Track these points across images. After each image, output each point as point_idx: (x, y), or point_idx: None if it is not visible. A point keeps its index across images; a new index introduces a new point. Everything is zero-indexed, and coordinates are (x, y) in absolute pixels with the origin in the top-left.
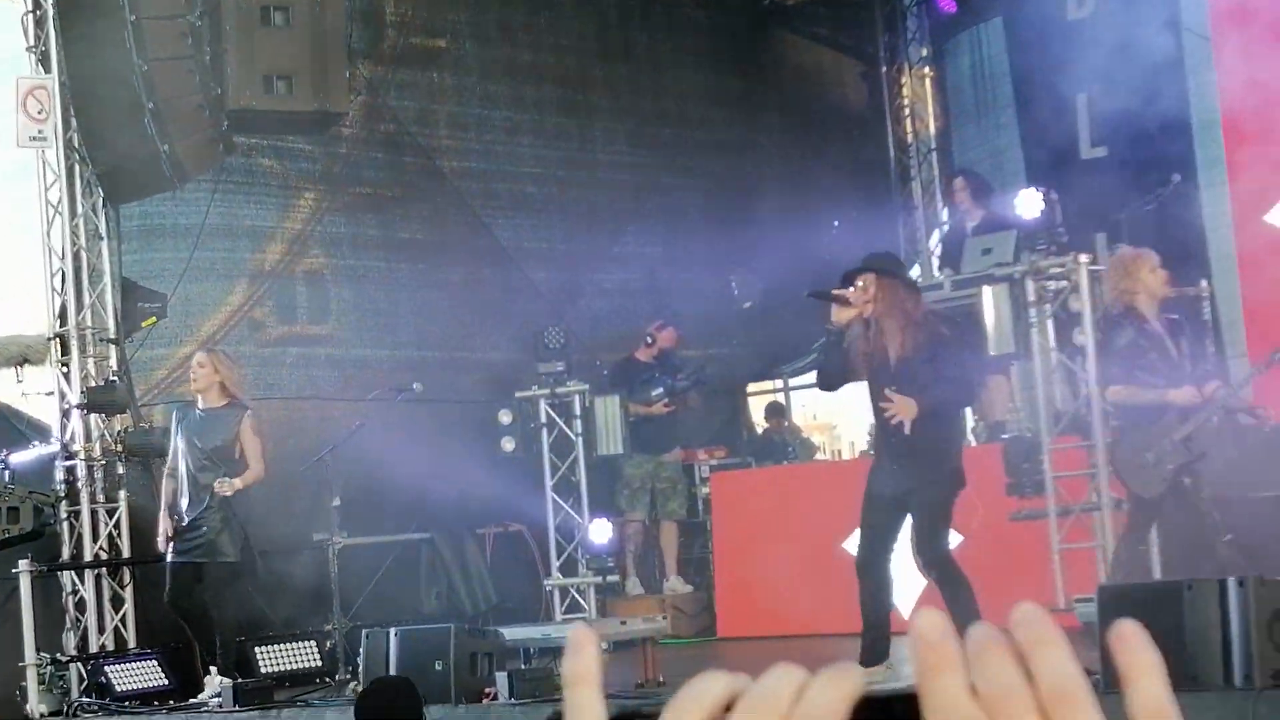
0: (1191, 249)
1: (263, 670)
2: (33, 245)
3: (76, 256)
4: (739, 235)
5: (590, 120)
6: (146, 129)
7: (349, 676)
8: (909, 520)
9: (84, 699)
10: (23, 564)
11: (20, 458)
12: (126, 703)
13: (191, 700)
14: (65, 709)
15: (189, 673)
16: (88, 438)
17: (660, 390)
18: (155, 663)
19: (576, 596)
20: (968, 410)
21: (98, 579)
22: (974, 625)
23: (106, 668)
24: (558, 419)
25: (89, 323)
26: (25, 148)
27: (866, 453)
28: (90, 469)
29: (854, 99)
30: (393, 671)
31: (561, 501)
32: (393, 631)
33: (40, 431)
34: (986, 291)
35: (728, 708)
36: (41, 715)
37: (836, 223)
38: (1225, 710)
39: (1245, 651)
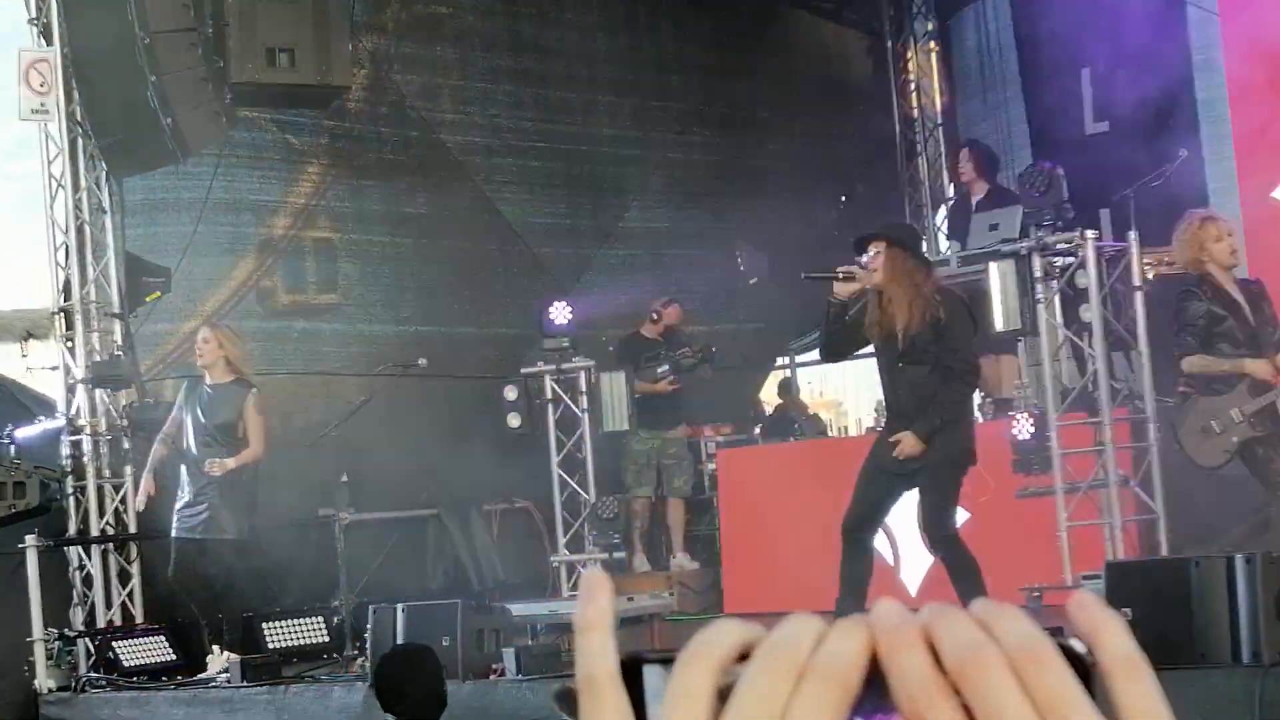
0: None
1: (270, 646)
2: (36, 219)
3: (80, 231)
4: (744, 211)
5: (594, 95)
6: (149, 102)
7: (356, 652)
8: (916, 498)
9: (92, 674)
10: (29, 539)
11: (25, 433)
12: (134, 678)
13: (199, 676)
14: (73, 684)
15: (197, 648)
16: (93, 412)
17: (665, 368)
18: (163, 638)
19: (583, 573)
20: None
21: (104, 554)
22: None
23: (114, 643)
24: (563, 395)
25: (93, 297)
26: (27, 121)
27: (874, 429)
28: (96, 444)
29: (859, 73)
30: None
31: (568, 477)
32: (400, 607)
33: (45, 406)
34: (993, 267)
35: (743, 656)
36: (50, 690)
37: (844, 198)
38: (1232, 687)
39: (1253, 628)
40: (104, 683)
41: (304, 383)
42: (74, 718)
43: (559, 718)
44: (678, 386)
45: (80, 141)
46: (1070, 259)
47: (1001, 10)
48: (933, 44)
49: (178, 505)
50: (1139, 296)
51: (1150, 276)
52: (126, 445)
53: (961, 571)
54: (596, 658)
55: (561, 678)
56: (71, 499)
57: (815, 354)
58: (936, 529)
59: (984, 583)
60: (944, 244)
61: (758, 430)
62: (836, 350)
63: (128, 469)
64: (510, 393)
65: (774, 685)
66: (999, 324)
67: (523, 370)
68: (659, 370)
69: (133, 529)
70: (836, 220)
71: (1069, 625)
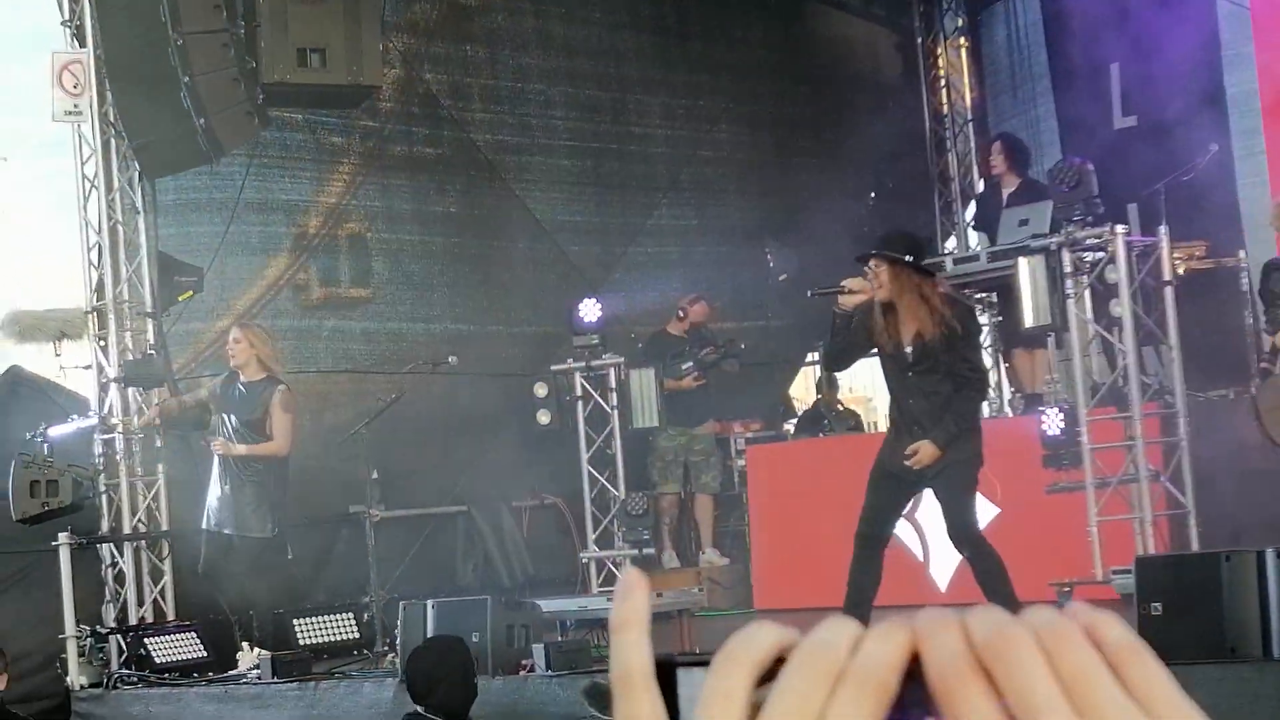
0: (1228, 219)
1: (301, 642)
2: (69, 219)
3: (113, 231)
4: (774, 208)
5: (623, 93)
6: (182, 103)
7: (386, 649)
8: (937, 501)
9: (123, 670)
10: (62, 536)
11: (59, 431)
12: (166, 674)
13: (230, 672)
14: (105, 680)
15: (228, 645)
16: (125, 411)
17: (689, 364)
18: (194, 635)
19: (613, 569)
20: (1005, 381)
21: (136, 551)
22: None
23: (146, 640)
24: (593, 392)
25: (126, 296)
26: (61, 122)
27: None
28: (128, 442)
29: (889, 70)
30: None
31: (597, 474)
32: (430, 603)
33: (78, 405)
34: (1023, 263)
35: (779, 660)
36: (81, 686)
37: (873, 194)
38: (1263, 682)
39: None
40: (135, 679)
41: (334, 381)
42: (106, 714)
43: (588, 713)
44: (703, 382)
45: (113, 142)
46: (1100, 254)
47: (1031, 5)
48: (963, 40)
49: (208, 500)
50: (1169, 291)
51: (1180, 271)
52: (159, 444)
53: (987, 570)
54: (632, 656)
55: (591, 674)
56: (104, 497)
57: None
58: (960, 530)
59: (1009, 580)
60: (974, 239)
61: (788, 426)
62: (841, 360)
63: (160, 467)
64: (540, 390)
65: (811, 688)
66: (1029, 319)
67: (552, 367)
68: (683, 367)
69: (165, 527)
70: (866, 216)
71: None
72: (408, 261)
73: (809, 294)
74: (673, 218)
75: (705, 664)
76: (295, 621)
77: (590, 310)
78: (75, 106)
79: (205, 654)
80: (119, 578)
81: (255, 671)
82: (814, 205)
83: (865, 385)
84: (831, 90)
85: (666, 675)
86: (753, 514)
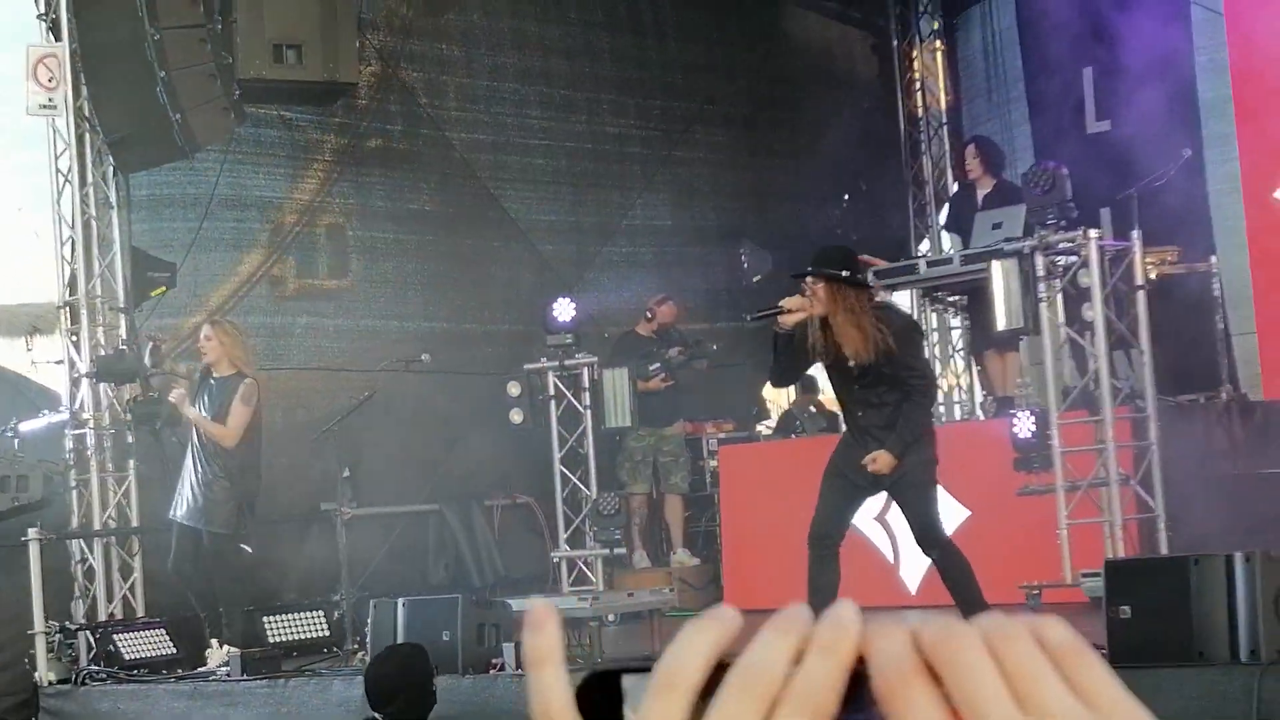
0: (1199, 224)
1: (271, 640)
2: (43, 214)
3: (87, 225)
4: (748, 209)
5: (598, 93)
6: (159, 98)
7: (356, 647)
8: (898, 505)
9: (93, 667)
10: (32, 532)
11: (30, 426)
12: (135, 671)
13: (199, 669)
14: (74, 677)
15: (197, 642)
16: (97, 406)
17: (657, 366)
18: (163, 632)
19: (584, 569)
20: (976, 384)
21: (106, 547)
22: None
23: (115, 636)
24: (566, 391)
25: (99, 291)
26: (35, 116)
27: None
28: (99, 438)
29: (864, 73)
30: (400, 642)
31: (569, 473)
32: (401, 602)
33: (50, 400)
34: (996, 266)
35: (721, 665)
36: (50, 683)
37: (846, 197)
38: (1231, 685)
39: (1251, 627)
40: (104, 675)
41: (307, 377)
42: (74, 710)
43: None
44: (670, 384)
45: (88, 137)
46: (1073, 258)
47: (1007, 9)
48: (938, 43)
49: (178, 494)
50: (1141, 296)
51: (1152, 276)
52: (130, 439)
53: (954, 573)
54: (551, 693)
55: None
56: (74, 492)
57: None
58: (926, 534)
59: (977, 583)
60: (947, 242)
61: (761, 427)
62: (786, 377)
63: (131, 463)
64: (513, 388)
65: (747, 715)
66: (1001, 322)
67: (525, 366)
68: (650, 369)
69: (135, 523)
70: (840, 219)
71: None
72: (382, 259)
73: (747, 318)
74: (647, 218)
75: (648, 670)
76: (265, 619)
77: (564, 309)
78: (50, 100)
79: (174, 651)
80: (89, 574)
81: (224, 669)
82: (788, 207)
83: None
84: (807, 92)
85: (611, 684)
86: (724, 514)
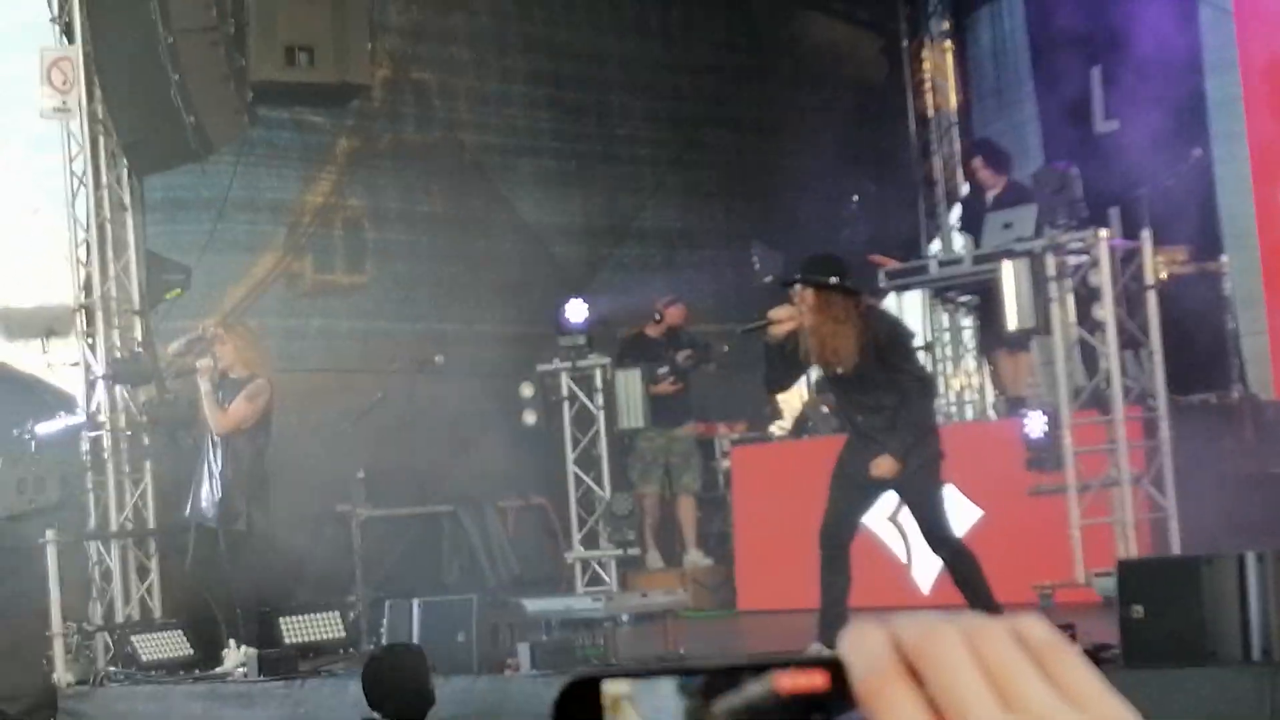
0: (1208, 224)
1: (287, 641)
2: (58, 217)
3: (101, 228)
4: (758, 211)
5: (606, 96)
6: (173, 100)
7: (372, 647)
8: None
9: (110, 668)
10: (49, 534)
11: (46, 428)
12: (152, 672)
13: (216, 670)
14: (92, 678)
15: (214, 643)
16: (113, 408)
17: (665, 369)
18: (180, 633)
19: (598, 569)
20: (988, 383)
21: (123, 549)
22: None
23: (133, 637)
24: (579, 392)
25: (114, 294)
26: (49, 119)
27: None
28: (116, 440)
29: (873, 73)
30: (415, 642)
31: (583, 475)
32: (415, 603)
33: (66, 402)
34: (1007, 266)
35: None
36: (68, 684)
37: (855, 197)
38: (1243, 686)
39: (1264, 627)
40: (122, 677)
41: (321, 379)
42: (92, 711)
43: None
44: (680, 387)
45: (102, 139)
46: (1084, 258)
47: (1015, 9)
48: (948, 43)
49: (194, 493)
50: (1151, 295)
51: (1163, 275)
52: (146, 441)
53: (963, 572)
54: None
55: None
56: (91, 494)
57: None
58: (934, 532)
59: (987, 582)
60: (958, 242)
61: (773, 428)
62: (781, 385)
63: (147, 464)
64: (526, 390)
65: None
66: (1012, 322)
67: (538, 368)
68: (659, 372)
69: (151, 525)
70: (851, 219)
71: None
72: (394, 260)
73: (739, 331)
74: (658, 220)
75: (629, 675)
76: (281, 620)
77: (577, 311)
78: (64, 103)
79: (191, 652)
80: (106, 575)
81: (241, 670)
82: (799, 208)
83: None
84: (816, 93)
85: (592, 690)
86: (737, 515)
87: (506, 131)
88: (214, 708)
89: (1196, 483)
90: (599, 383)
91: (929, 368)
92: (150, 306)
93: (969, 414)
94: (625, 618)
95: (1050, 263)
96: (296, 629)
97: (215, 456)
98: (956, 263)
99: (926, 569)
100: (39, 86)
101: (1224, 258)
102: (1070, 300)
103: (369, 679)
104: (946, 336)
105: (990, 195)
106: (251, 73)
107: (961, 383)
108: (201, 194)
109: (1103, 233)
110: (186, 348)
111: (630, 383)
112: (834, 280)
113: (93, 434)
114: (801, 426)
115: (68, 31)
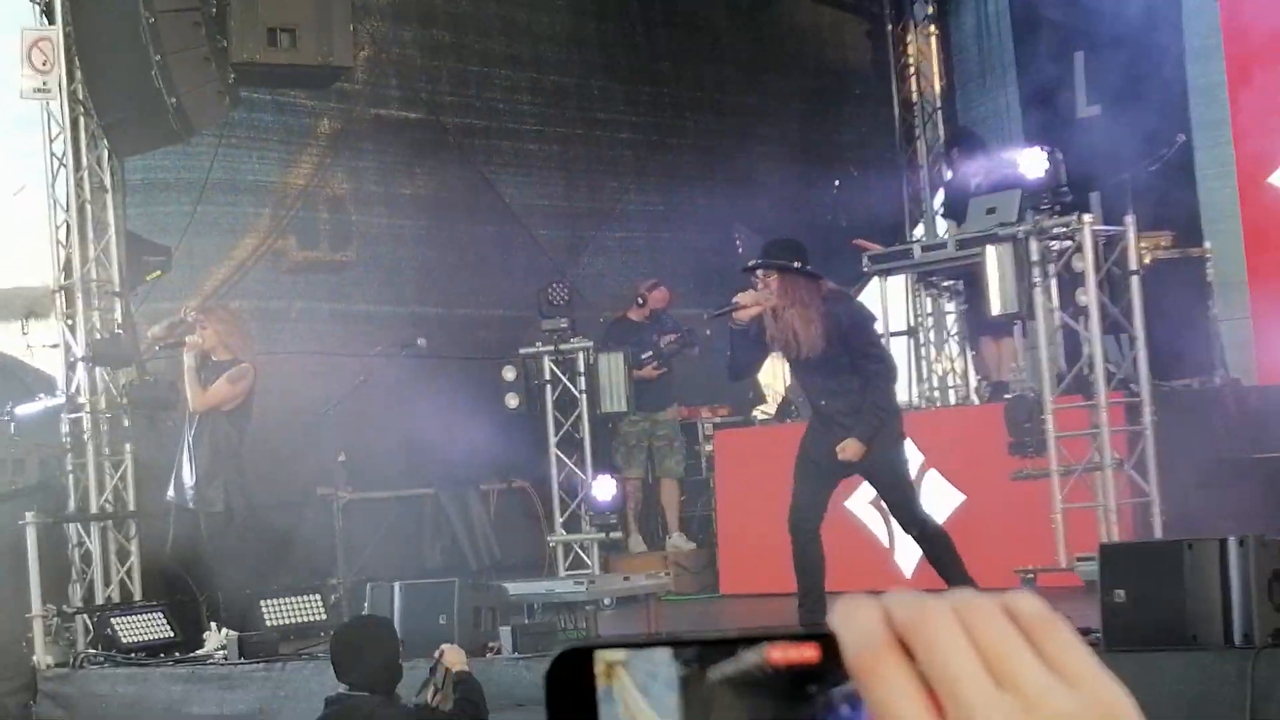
0: (1188, 210)
1: (268, 624)
2: (37, 197)
3: (81, 209)
4: (741, 194)
5: (587, 79)
6: (154, 81)
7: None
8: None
9: (90, 650)
10: (29, 516)
11: (26, 410)
12: (132, 655)
13: (197, 652)
14: (72, 660)
15: (195, 626)
16: (93, 390)
17: (648, 354)
18: (161, 615)
19: (580, 553)
20: (971, 368)
21: (103, 531)
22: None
23: (113, 619)
24: (561, 375)
25: (94, 275)
26: (29, 99)
27: None
28: (96, 421)
29: (857, 57)
30: (397, 625)
31: (565, 458)
32: (397, 586)
33: (46, 384)
34: (990, 251)
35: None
36: (48, 666)
37: (838, 182)
38: (1224, 669)
39: (1245, 611)
40: (102, 659)
41: (302, 362)
42: (72, 693)
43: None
44: (662, 372)
45: (82, 120)
46: (1067, 243)
47: None
48: (932, 27)
49: (175, 475)
50: (1135, 280)
51: (1146, 261)
52: (126, 423)
53: (936, 550)
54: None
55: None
56: (71, 476)
57: None
58: (905, 513)
59: (961, 560)
60: (942, 227)
61: (756, 412)
62: (745, 371)
63: (127, 446)
64: (508, 373)
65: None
66: (995, 307)
67: (521, 351)
68: (643, 357)
69: (132, 507)
70: (832, 204)
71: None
72: (376, 243)
73: (705, 316)
74: (641, 203)
75: (619, 645)
76: (262, 602)
77: (558, 294)
78: (44, 84)
79: (172, 634)
80: (86, 557)
81: (222, 652)
82: (782, 192)
83: None
84: (800, 77)
85: (583, 662)
86: (720, 499)
87: (488, 114)
88: (194, 690)
89: (1179, 468)
90: (581, 366)
91: (913, 353)
92: (131, 288)
93: (952, 399)
94: (608, 601)
95: (1034, 248)
96: (277, 612)
97: (194, 438)
98: (940, 247)
99: (909, 553)
100: (19, 67)
101: (1207, 243)
102: (1053, 285)
103: (336, 649)
104: (930, 321)
105: (974, 182)
106: (233, 54)
107: (945, 368)
108: (183, 175)
109: (1086, 218)
110: (168, 331)
111: (613, 366)
112: (796, 264)
113: (72, 416)
114: (785, 410)
115: (48, 12)
